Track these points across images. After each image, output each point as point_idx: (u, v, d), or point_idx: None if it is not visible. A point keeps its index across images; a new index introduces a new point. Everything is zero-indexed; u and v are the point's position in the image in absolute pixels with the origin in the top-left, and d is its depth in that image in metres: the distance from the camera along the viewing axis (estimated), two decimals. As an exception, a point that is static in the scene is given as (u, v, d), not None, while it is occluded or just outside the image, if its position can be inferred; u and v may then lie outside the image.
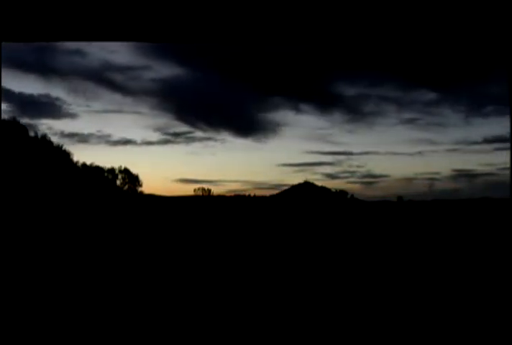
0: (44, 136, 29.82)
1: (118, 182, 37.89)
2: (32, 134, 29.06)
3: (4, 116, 27.24)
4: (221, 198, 40.94)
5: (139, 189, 37.04)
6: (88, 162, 33.42)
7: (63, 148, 31.14)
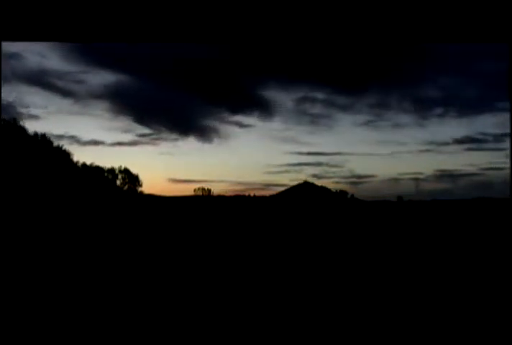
0: (44, 136, 29.85)
1: (118, 182, 37.98)
2: (31, 133, 29.08)
3: (4, 116, 27.26)
4: (221, 198, 41.06)
5: (139, 189, 37.13)
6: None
7: (63, 148, 31.20)
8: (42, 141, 29.71)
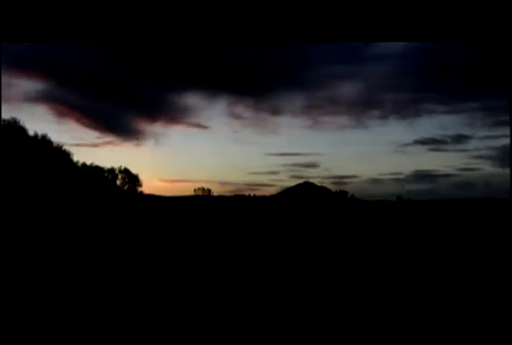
0: (44, 136, 29.82)
1: (118, 182, 37.91)
2: (31, 133, 29.05)
3: (4, 116, 27.24)
4: (221, 198, 40.93)
5: (139, 189, 37.05)
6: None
7: (63, 148, 31.15)
8: (42, 141, 29.69)
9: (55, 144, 31.09)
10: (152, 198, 36.21)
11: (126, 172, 35.93)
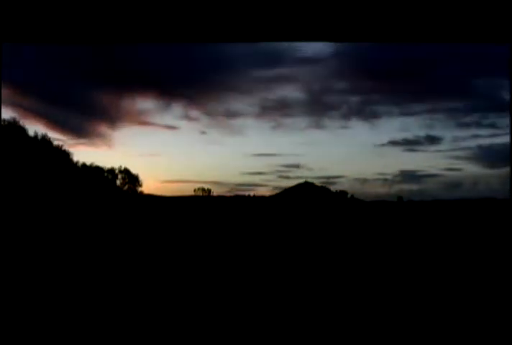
0: (44, 136, 29.82)
1: (118, 182, 37.91)
2: (31, 133, 29.05)
3: (4, 116, 27.22)
4: (221, 198, 40.93)
5: (139, 189, 37.07)
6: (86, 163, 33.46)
7: (63, 148, 31.16)
8: (42, 141, 29.69)
9: (55, 144, 31.12)
10: (152, 198, 36.22)
11: (126, 172, 35.95)
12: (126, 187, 37.27)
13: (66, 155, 31.39)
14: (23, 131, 28.13)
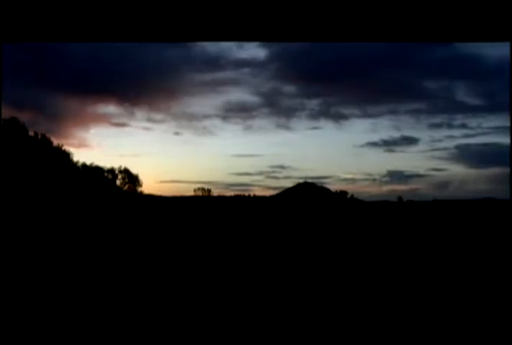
0: (44, 136, 29.84)
1: (118, 182, 37.99)
2: (31, 133, 29.07)
3: (4, 116, 27.23)
4: (221, 198, 41.00)
5: (139, 189, 37.15)
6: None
7: (63, 148, 31.20)
8: (42, 141, 29.71)
9: (55, 144, 31.15)
10: (152, 198, 36.24)
11: (126, 172, 35.99)
12: (126, 187, 37.36)
13: (66, 155, 31.44)
14: (23, 131, 28.13)
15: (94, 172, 33.21)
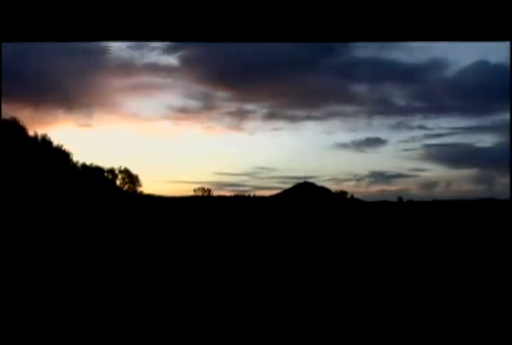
0: (44, 137, 29.85)
1: (118, 182, 38.02)
2: (31, 133, 29.07)
3: (4, 116, 27.23)
4: (221, 198, 41.08)
5: (139, 189, 37.18)
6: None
7: (63, 148, 31.21)
8: (42, 141, 29.73)
9: (54, 144, 31.16)
10: (151, 198, 36.25)
11: (126, 172, 36.00)
12: (126, 187, 37.38)
13: (66, 155, 31.45)
14: (23, 131, 28.13)
15: (94, 172, 33.22)
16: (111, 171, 34.85)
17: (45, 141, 29.60)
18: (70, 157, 31.28)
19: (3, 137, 25.53)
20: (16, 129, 27.48)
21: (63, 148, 30.95)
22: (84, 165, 32.52)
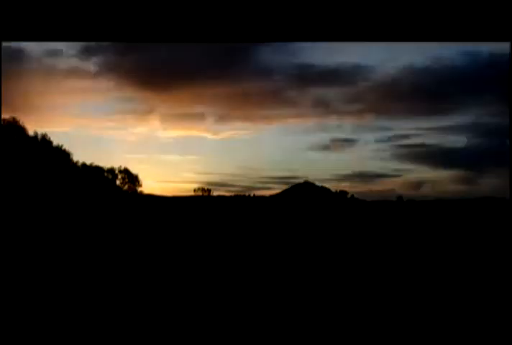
0: (44, 136, 29.86)
1: (118, 182, 38.05)
2: (31, 133, 29.08)
3: (4, 116, 27.22)
4: (221, 198, 41.18)
5: (139, 189, 37.21)
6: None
7: (63, 148, 31.23)
8: (42, 141, 29.73)
9: (54, 144, 31.17)
10: (152, 198, 36.27)
11: (126, 172, 36.03)
12: (126, 187, 37.41)
13: (66, 155, 31.45)
14: (23, 131, 28.14)
15: (94, 172, 33.24)
16: (111, 171, 34.87)
17: (45, 141, 29.60)
18: (70, 156, 31.30)
19: (3, 137, 25.56)
20: (16, 129, 27.48)
21: (63, 148, 30.96)
22: (84, 165, 32.53)
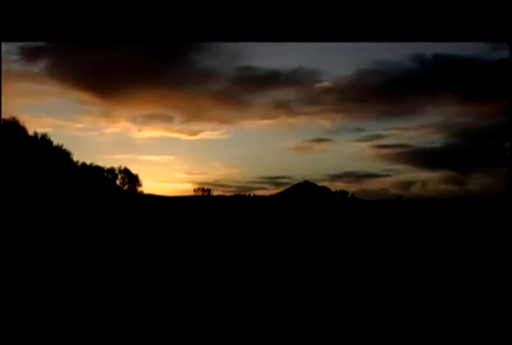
0: (44, 136, 29.83)
1: (118, 182, 38.02)
2: (31, 133, 29.04)
3: (4, 116, 27.19)
4: (221, 198, 41.11)
5: (139, 189, 37.18)
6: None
7: (63, 148, 31.19)
8: (42, 141, 29.71)
9: (54, 144, 31.15)
10: (152, 197, 36.23)
11: (126, 172, 36.00)
12: (126, 187, 37.39)
13: (66, 155, 31.44)
14: (23, 131, 28.10)
15: (94, 172, 33.21)
16: (111, 171, 34.84)
17: (45, 141, 29.57)
18: (70, 156, 31.25)
19: (3, 137, 25.53)
20: (16, 128, 27.46)
21: (63, 148, 30.92)
22: (84, 164, 32.49)
